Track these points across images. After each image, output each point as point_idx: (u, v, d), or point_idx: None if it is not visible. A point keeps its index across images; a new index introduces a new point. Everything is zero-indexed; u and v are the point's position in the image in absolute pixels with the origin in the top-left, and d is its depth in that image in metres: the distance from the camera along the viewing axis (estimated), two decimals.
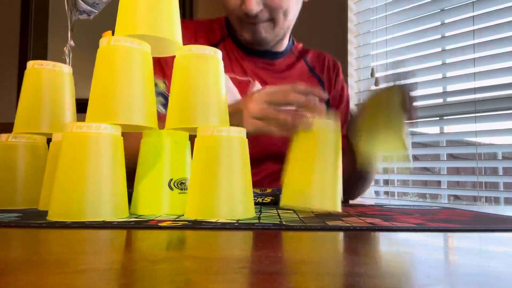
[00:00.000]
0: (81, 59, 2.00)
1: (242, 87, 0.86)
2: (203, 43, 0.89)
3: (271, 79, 0.89)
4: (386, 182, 1.57)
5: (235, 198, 0.47)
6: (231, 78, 0.87)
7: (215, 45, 0.89)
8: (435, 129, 1.50)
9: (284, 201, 0.56)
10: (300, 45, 1.01)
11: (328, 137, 0.56)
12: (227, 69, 0.86)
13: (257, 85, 0.87)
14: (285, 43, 0.94)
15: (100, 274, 0.23)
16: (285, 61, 0.94)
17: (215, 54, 0.54)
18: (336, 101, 0.97)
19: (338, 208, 0.54)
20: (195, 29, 0.91)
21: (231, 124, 0.52)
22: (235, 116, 0.61)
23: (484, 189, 1.30)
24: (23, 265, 0.24)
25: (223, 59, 0.85)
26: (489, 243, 0.36)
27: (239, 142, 0.48)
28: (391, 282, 0.22)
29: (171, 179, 0.52)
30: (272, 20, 0.83)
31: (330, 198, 0.54)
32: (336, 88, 0.97)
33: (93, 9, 1.35)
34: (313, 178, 0.54)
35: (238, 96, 0.85)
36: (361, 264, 0.26)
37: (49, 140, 0.59)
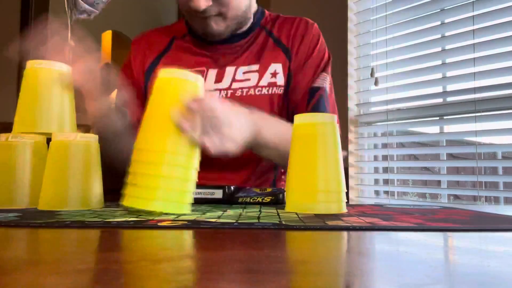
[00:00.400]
0: None
1: None
2: (156, 50, 0.92)
3: (231, 62, 0.88)
4: (386, 182, 1.57)
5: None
6: None
7: (171, 41, 0.93)
8: (435, 129, 1.50)
9: (288, 209, 0.56)
10: (273, 15, 0.94)
11: (327, 135, 0.56)
12: (179, 64, 0.84)
13: (211, 74, 0.87)
14: (248, 23, 0.90)
15: (100, 274, 0.23)
16: (250, 38, 0.90)
17: None
18: (303, 58, 0.88)
19: (344, 210, 0.55)
20: (147, 40, 0.95)
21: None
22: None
23: (484, 188, 1.30)
24: (22, 265, 0.24)
25: (178, 54, 0.90)
26: (489, 243, 0.36)
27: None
28: (391, 281, 0.22)
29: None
30: (222, 14, 0.81)
31: (336, 201, 0.55)
32: (303, 49, 0.88)
33: (93, 9, 1.35)
34: (318, 185, 0.54)
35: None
36: (361, 264, 0.26)
37: (49, 140, 0.59)
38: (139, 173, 0.50)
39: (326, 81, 0.88)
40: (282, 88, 0.87)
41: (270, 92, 0.86)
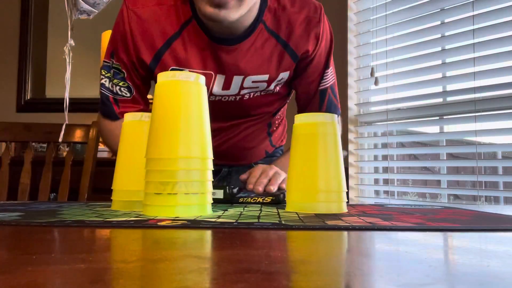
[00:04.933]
0: (81, 59, 2.00)
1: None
2: (164, 32, 0.79)
3: (236, 70, 0.82)
4: (386, 182, 1.57)
5: None
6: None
7: (177, 34, 0.80)
8: (435, 129, 1.50)
9: (289, 208, 0.56)
10: (273, 3, 0.83)
11: (327, 135, 0.56)
12: (187, 64, 0.80)
13: (218, 79, 0.82)
14: (252, 15, 0.79)
15: (99, 273, 0.23)
16: (252, 38, 0.81)
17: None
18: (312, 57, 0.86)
19: (344, 209, 0.55)
20: (154, 17, 0.80)
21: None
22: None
23: (483, 188, 1.30)
24: (22, 264, 0.24)
25: (184, 48, 0.81)
26: (489, 243, 0.36)
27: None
28: (391, 281, 0.22)
29: None
30: None
31: (336, 201, 0.55)
32: (310, 48, 0.84)
33: (93, 9, 1.35)
34: (318, 184, 0.54)
35: None
36: (361, 264, 0.26)
37: None
38: (155, 182, 0.49)
39: (331, 76, 0.91)
40: (286, 83, 0.89)
41: (275, 91, 0.89)
